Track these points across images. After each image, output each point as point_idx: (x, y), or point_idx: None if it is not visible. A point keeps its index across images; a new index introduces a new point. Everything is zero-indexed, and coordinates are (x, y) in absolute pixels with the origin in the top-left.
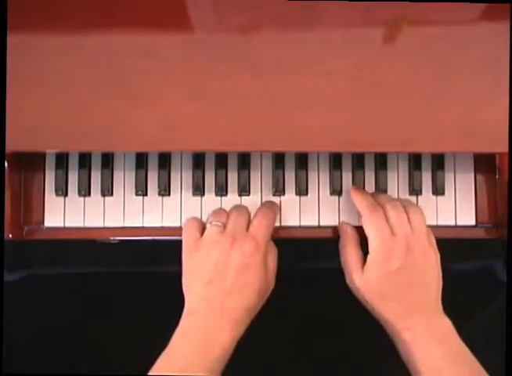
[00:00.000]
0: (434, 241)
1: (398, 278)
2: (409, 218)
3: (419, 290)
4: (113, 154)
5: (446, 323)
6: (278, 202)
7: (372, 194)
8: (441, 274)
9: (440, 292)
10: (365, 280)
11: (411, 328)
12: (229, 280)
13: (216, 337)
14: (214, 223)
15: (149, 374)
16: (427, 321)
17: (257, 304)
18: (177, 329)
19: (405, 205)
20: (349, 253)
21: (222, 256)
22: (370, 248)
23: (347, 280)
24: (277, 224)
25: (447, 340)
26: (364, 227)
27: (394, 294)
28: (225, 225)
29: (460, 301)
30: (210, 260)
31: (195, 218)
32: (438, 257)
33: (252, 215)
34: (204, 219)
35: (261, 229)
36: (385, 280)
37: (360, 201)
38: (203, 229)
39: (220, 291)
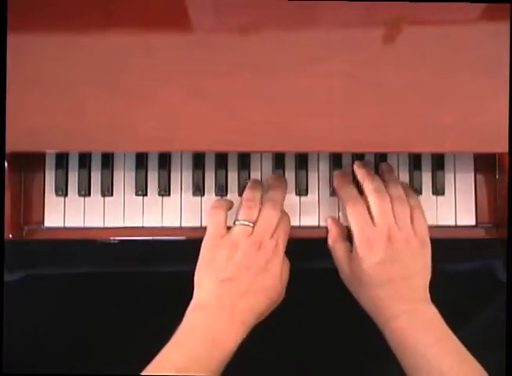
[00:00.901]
0: (423, 231)
1: (381, 268)
2: (393, 208)
3: (403, 280)
4: (113, 154)
5: (432, 311)
6: None
7: (359, 177)
8: (429, 264)
9: (427, 282)
10: (351, 271)
11: (397, 317)
12: (246, 282)
13: (222, 335)
14: (242, 222)
15: (152, 363)
16: (412, 310)
17: (266, 309)
18: (184, 321)
19: (391, 195)
20: (337, 247)
21: (246, 259)
22: (353, 240)
23: (340, 274)
24: None
25: (432, 327)
26: (347, 219)
27: (379, 284)
28: (254, 224)
29: (460, 301)
30: (233, 260)
31: (221, 209)
32: (427, 247)
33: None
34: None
35: (282, 236)
36: (369, 271)
37: (343, 193)
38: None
39: (235, 291)
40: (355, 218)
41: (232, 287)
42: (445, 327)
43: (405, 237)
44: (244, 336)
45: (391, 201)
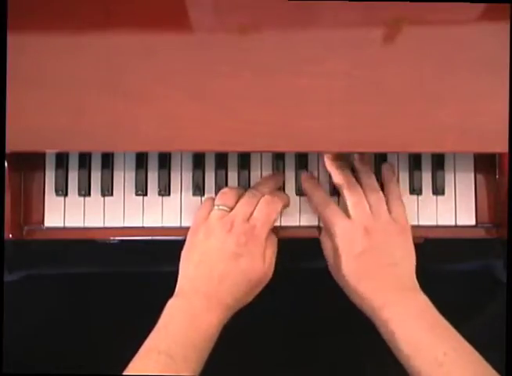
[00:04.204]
0: (401, 217)
1: (365, 260)
2: (367, 199)
3: (388, 269)
4: (113, 154)
5: (422, 299)
6: None
7: (330, 173)
8: (412, 250)
9: (413, 269)
10: (336, 267)
11: (387, 307)
12: (219, 266)
13: (200, 318)
14: (220, 207)
15: (138, 353)
16: (402, 298)
17: (248, 292)
18: (165, 309)
19: (364, 186)
20: (327, 245)
21: (217, 242)
22: (333, 238)
23: (330, 270)
24: (277, 224)
25: (424, 314)
26: (319, 215)
27: (364, 276)
28: (230, 209)
29: (460, 301)
30: (206, 243)
31: (211, 199)
32: (407, 234)
33: None
34: None
35: (261, 219)
36: (353, 264)
37: (313, 198)
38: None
39: (208, 274)
40: (328, 217)
41: (205, 270)
42: (437, 313)
43: (382, 226)
44: (227, 317)
45: (364, 192)
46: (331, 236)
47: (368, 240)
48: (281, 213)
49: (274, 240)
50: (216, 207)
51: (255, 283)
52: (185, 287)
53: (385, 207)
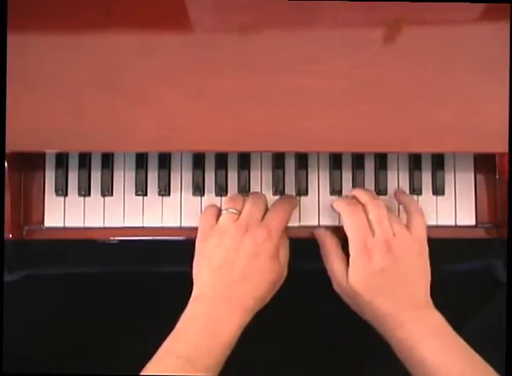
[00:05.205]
0: (420, 236)
1: (382, 278)
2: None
3: (406, 288)
4: (113, 154)
5: (438, 317)
6: None
7: (355, 191)
8: (429, 270)
9: (428, 288)
10: (350, 283)
11: (404, 325)
12: (239, 268)
13: (222, 322)
14: (229, 211)
15: (155, 355)
16: (418, 317)
17: (267, 293)
18: (184, 313)
19: (387, 205)
20: (331, 259)
21: (233, 243)
22: (351, 251)
23: (334, 286)
24: None
25: (440, 333)
26: (344, 228)
27: (381, 294)
28: (240, 213)
29: (460, 301)
30: (222, 247)
31: (213, 206)
32: (426, 253)
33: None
34: None
35: (275, 219)
36: (370, 281)
37: (339, 201)
38: (219, 216)
39: (228, 277)
40: (354, 228)
41: (225, 274)
42: (451, 331)
43: (402, 243)
44: (247, 320)
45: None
46: (351, 246)
47: (389, 258)
48: None
49: (286, 241)
50: (225, 211)
51: (273, 283)
52: (205, 293)
53: (403, 225)
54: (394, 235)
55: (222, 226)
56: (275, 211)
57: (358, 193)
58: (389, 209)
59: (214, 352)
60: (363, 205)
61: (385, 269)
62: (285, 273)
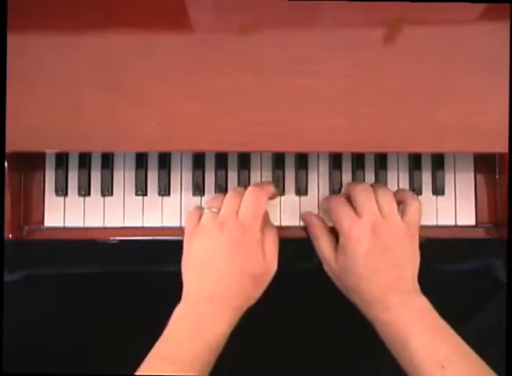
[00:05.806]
0: (413, 220)
1: (369, 259)
2: (377, 200)
3: (392, 269)
4: (113, 154)
5: (423, 302)
6: (278, 202)
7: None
8: (418, 255)
9: (416, 272)
10: (338, 265)
11: (388, 309)
12: (219, 267)
13: (206, 322)
14: (211, 210)
15: (145, 361)
16: (403, 301)
17: (252, 289)
18: (171, 316)
19: (375, 188)
20: (320, 241)
21: (213, 242)
22: (340, 238)
23: (325, 268)
24: (277, 224)
25: (425, 317)
26: (332, 222)
27: (367, 276)
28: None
29: (460, 301)
30: (204, 246)
31: (197, 208)
32: (416, 238)
33: None
34: None
35: (248, 212)
36: (356, 263)
37: (324, 199)
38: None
39: (210, 277)
40: (337, 213)
41: (207, 274)
42: (437, 316)
43: (390, 226)
44: (236, 318)
45: (375, 192)
46: (339, 233)
47: (375, 239)
48: (280, 213)
49: (272, 233)
50: (207, 211)
51: (258, 279)
52: (189, 295)
53: (395, 208)
54: (382, 218)
55: (203, 226)
56: (245, 204)
57: (347, 187)
58: (386, 193)
59: (201, 353)
60: (350, 195)
61: (370, 251)
62: (273, 266)
